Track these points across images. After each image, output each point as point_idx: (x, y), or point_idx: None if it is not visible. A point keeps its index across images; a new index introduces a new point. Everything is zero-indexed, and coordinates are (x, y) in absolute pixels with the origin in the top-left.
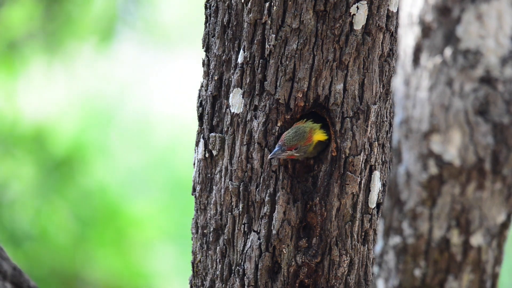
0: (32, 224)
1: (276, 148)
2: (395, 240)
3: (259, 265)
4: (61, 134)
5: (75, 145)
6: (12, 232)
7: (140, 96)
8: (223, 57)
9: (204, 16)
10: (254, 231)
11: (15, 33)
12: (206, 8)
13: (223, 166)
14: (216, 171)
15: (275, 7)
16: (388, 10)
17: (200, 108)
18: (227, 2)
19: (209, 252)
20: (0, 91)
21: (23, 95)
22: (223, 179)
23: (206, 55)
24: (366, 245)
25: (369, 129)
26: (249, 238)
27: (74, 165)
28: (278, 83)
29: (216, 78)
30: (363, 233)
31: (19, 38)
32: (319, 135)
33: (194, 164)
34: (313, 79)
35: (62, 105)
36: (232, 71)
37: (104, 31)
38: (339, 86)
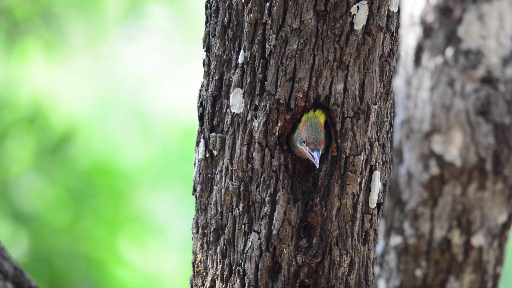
0: (32, 202)
1: (315, 154)
2: (396, 240)
3: (259, 265)
4: (59, 112)
5: (73, 123)
6: (14, 211)
7: (144, 84)
8: (224, 57)
9: (204, 16)
10: (254, 231)
11: (16, 17)
12: (206, 8)
13: (224, 166)
14: (217, 171)
15: (275, 7)
16: (388, 10)
17: (201, 108)
18: (227, 2)
19: (209, 252)
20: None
21: (24, 76)
22: (223, 179)
23: (207, 55)
24: (367, 245)
25: (369, 129)
26: (249, 238)
27: (71, 142)
28: (278, 83)
29: (216, 78)
30: (363, 233)
31: (20, 22)
32: (321, 117)
33: (194, 164)
34: (314, 79)
35: (63, 85)
36: (232, 71)
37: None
38: (340, 86)
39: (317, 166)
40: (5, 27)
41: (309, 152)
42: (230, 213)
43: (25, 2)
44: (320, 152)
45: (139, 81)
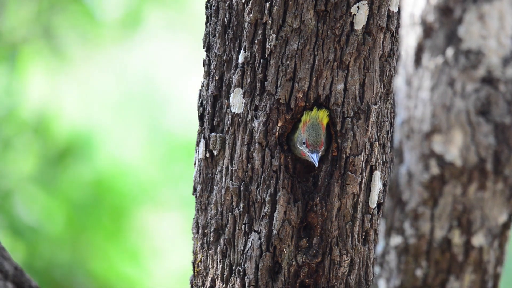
0: (32, 214)
1: (314, 156)
2: (397, 240)
3: (259, 265)
4: (62, 122)
5: (76, 133)
6: (13, 223)
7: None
8: (224, 57)
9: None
10: (254, 231)
11: (18, 32)
12: (206, 8)
13: (224, 166)
14: (217, 171)
15: (275, 7)
16: (388, 10)
17: (201, 108)
18: (227, 2)
19: (209, 252)
20: (2, 84)
21: (27, 88)
22: (223, 179)
23: (207, 55)
24: (367, 245)
25: (369, 129)
26: (249, 238)
27: (75, 154)
28: (278, 83)
29: (216, 78)
30: (363, 233)
31: (22, 37)
32: (324, 119)
33: (194, 164)
34: (314, 79)
35: (65, 94)
36: (232, 71)
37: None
38: (340, 86)
39: (316, 166)
40: (6, 40)
41: (308, 153)
42: (230, 213)
43: (25, 15)
44: (320, 154)
45: (144, 89)
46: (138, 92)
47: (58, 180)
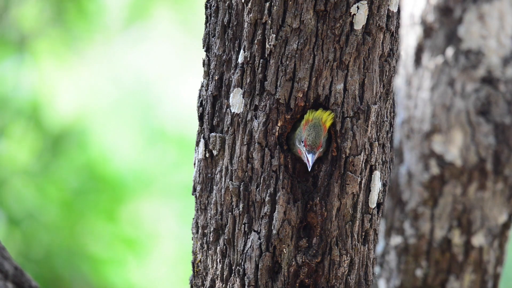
0: (28, 202)
1: (310, 156)
2: (397, 240)
3: (259, 265)
4: (58, 110)
5: (71, 122)
6: (9, 212)
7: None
8: (224, 57)
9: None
10: (254, 231)
11: (26, 27)
12: (206, 8)
13: (224, 166)
14: (217, 171)
15: (275, 7)
16: (388, 10)
17: (201, 108)
18: (227, 2)
19: (209, 252)
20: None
21: (28, 78)
22: (223, 179)
23: (207, 55)
24: (367, 245)
25: (369, 129)
26: (249, 238)
27: (70, 141)
28: (278, 83)
29: (216, 78)
30: (363, 233)
31: (30, 32)
32: (328, 121)
33: (194, 164)
34: (314, 79)
35: (64, 87)
36: (232, 71)
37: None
38: (340, 86)
39: (309, 169)
40: (14, 32)
41: (305, 153)
42: (230, 213)
43: (34, 9)
44: (317, 155)
45: (143, 83)
46: (135, 86)
47: (54, 168)
